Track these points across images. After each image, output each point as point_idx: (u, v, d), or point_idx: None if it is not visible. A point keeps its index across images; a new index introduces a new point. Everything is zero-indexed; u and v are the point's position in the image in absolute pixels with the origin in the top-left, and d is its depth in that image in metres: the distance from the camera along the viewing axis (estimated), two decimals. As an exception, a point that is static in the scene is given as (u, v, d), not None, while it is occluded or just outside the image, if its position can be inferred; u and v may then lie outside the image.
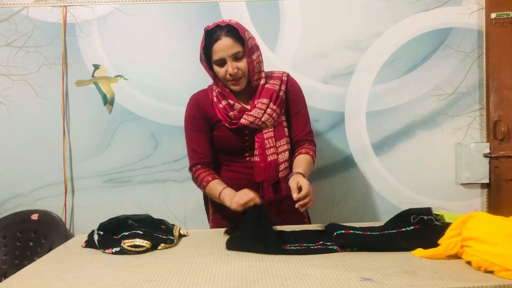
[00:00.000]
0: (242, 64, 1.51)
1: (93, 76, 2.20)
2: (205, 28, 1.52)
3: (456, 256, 1.10)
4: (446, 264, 1.07)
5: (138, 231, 1.30)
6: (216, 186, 1.53)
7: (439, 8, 2.21)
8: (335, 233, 1.25)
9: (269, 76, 1.63)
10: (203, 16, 2.16)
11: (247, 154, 1.59)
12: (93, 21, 2.18)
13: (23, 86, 2.19)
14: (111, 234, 1.33)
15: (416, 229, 1.24)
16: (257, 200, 1.41)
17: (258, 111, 1.54)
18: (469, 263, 1.05)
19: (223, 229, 1.45)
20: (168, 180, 2.23)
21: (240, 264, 1.11)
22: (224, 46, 1.48)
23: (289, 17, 2.20)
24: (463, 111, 2.25)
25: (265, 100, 1.55)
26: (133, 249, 1.25)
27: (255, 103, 1.55)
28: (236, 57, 1.50)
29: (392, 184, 2.25)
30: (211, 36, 1.49)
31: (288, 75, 1.65)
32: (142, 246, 1.25)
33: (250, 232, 1.31)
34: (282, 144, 1.58)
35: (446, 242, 1.11)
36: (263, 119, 1.54)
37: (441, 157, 2.25)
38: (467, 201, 2.26)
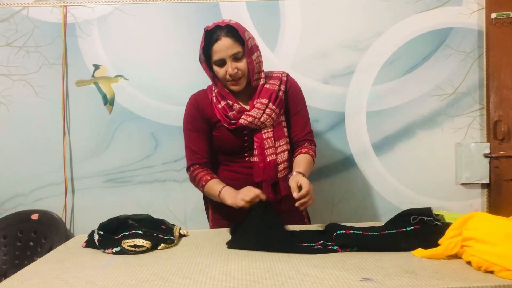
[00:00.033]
0: (242, 64, 1.51)
1: (93, 76, 2.20)
2: (204, 28, 1.52)
3: (456, 256, 1.10)
4: (446, 264, 1.07)
5: (138, 231, 1.30)
6: (215, 185, 1.52)
7: (439, 8, 2.21)
8: (335, 233, 1.25)
9: (269, 76, 1.63)
10: (203, 16, 2.16)
11: (246, 154, 1.59)
12: (93, 21, 2.18)
13: (23, 86, 2.19)
14: (111, 234, 1.33)
15: (416, 229, 1.24)
16: (262, 196, 1.40)
17: (257, 111, 1.54)
18: (469, 263, 1.04)
19: (223, 229, 1.45)
20: (168, 180, 2.23)
21: (240, 264, 1.11)
22: (224, 46, 1.48)
23: (289, 17, 2.20)
24: (463, 111, 2.24)
25: (264, 100, 1.54)
26: (133, 249, 1.25)
27: (254, 103, 1.55)
28: (236, 58, 1.50)
29: (392, 184, 2.25)
30: (210, 36, 1.49)
31: (287, 75, 1.65)
32: (142, 246, 1.25)
33: (257, 228, 1.30)
34: (281, 144, 1.58)
35: (446, 242, 1.11)
36: (262, 119, 1.54)
37: (441, 157, 2.25)
38: (467, 201, 2.26)
